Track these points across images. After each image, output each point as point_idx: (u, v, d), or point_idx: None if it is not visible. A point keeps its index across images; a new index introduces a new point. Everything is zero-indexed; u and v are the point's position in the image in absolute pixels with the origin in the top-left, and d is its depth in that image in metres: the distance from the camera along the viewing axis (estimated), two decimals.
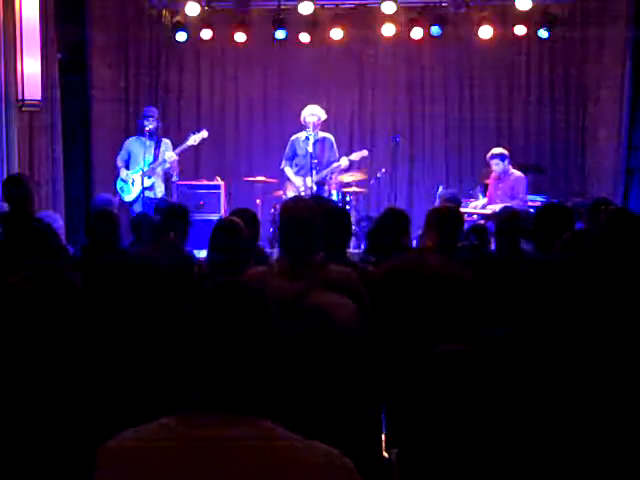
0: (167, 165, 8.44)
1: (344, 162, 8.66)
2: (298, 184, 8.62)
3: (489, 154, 8.32)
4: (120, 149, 8.69)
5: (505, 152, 8.30)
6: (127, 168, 8.51)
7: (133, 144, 8.57)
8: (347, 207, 8.46)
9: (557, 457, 1.88)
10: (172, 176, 8.82)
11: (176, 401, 1.58)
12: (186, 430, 1.50)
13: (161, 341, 2.72)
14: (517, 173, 8.32)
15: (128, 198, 8.36)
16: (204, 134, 8.68)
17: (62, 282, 2.66)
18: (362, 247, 7.45)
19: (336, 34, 9.95)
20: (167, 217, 4.98)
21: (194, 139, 8.62)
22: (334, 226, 4.01)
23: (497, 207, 7.78)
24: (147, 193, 8.32)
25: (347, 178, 8.95)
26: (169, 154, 8.41)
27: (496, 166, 8.22)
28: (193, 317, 1.54)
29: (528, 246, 4.66)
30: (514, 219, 4.73)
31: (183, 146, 8.60)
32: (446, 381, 1.67)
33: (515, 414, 1.76)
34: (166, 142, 8.56)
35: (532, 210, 6.61)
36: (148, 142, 8.38)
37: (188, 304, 1.56)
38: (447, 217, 3.78)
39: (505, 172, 8.23)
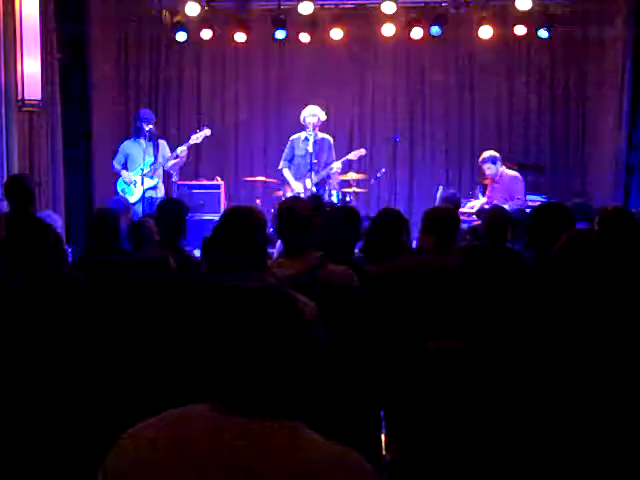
0: (171, 162, 8.43)
1: (336, 166, 8.63)
2: (297, 189, 8.61)
3: (480, 159, 8.26)
4: (116, 153, 8.68)
5: (495, 154, 8.19)
6: (125, 171, 8.51)
7: (130, 147, 8.55)
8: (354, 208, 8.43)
9: (553, 453, 1.89)
10: (172, 176, 8.83)
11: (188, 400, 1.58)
12: (216, 417, 1.50)
13: (172, 343, 2.73)
14: (511, 173, 8.24)
15: (131, 200, 8.34)
16: (207, 132, 8.68)
17: (67, 282, 2.68)
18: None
19: (336, 34, 9.96)
20: (159, 214, 4.98)
21: (197, 137, 8.62)
22: (342, 227, 4.01)
23: None
24: (150, 193, 8.32)
25: (347, 178, 8.96)
26: (180, 149, 8.42)
27: (489, 170, 8.14)
28: (221, 322, 1.54)
29: (519, 247, 4.67)
30: (502, 218, 4.76)
31: (186, 145, 8.59)
32: (438, 378, 1.68)
33: (507, 413, 1.77)
34: (162, 143, 8.56)
35: (529, 210, 6.57)
36: (145, 144, 8.38)
37: (214, 309, 1.57)
38: (444, 218, 3.78)
39: (499, 173, 8.17)
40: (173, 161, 8.47)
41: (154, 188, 8.37)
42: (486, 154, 8.24)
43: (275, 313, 1.53)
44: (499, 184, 8.19)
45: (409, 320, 1.98)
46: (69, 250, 5.45)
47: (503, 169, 8.22)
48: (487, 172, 8.17)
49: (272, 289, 1.61)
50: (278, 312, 1.53)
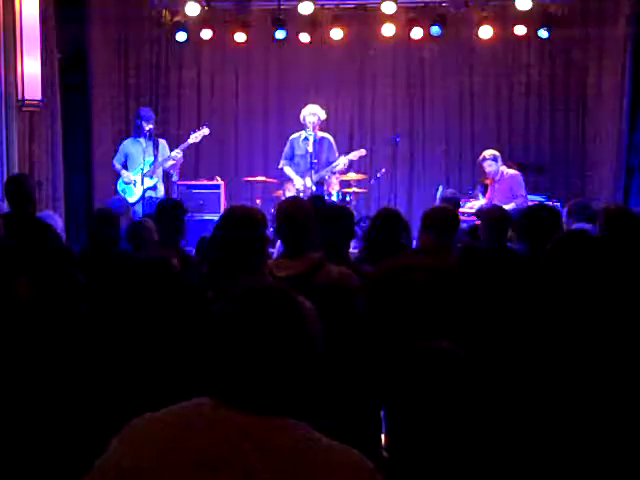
0: (169, 163, 8.43)
1: (343, 161, 8.66)
2: (299, 184, 8.64)
3: (480, 157, 8.30)
4: (116, 152, 8.68)
5: (496, 153, 8.27)
6: (125, 170, 8.51)
7: (130, 146, 8.55)
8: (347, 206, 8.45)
9: (547, 452, 1.89)
10: (172, 176, 8.83)
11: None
12: (218, 413, 1.50)
13: (173, 341, 2.73)
14: (510, 171, 8.28)
15: (131, 200, 8.34)
16: (205, 131, 8.69)
17: (66, 282, 2.68)
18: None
19: (336, 34, 9.96)
20: (158, 214, 4.98)
21: (195, 136, 8.63)
22: (334, 226, 4.01)
23: None
24: (150, 193, 8.31)
25: (347, 178, 8.96)
26: (176, 152, 8.43)
27: (489, 167, 8.17)
28: (222, 320, 1.54)
29: (519, 247, 4.68)
30: (502, 217, 4.77)
31: (184, 145, 8.60)
32: (429, 379, 1.68)
33: (502, 413, 1.77)
34: (162, 142, 8.56)
35: None
36: (145, 143, 8.38)
37: (221, 304, 1.57)
38: (442, 218, 3.78)
39: (499, 173, 8.20)
40: (170, 162, 8.48)
41: (153, 188, 8.37)
42: (487, 152, 8.27)
43: (275, 310, 1.54)
44: (499, 184, 8.21)
45: (407, 321, 1.98)
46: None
47: (504, 168, 8.25)
48: (487, 169, 8.19)
49: (272, 287, 1.62)
50: (278, 309, 1.54)
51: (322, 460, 1.47)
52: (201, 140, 8.84)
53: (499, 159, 8.21)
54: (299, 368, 1.52)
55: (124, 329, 2.87)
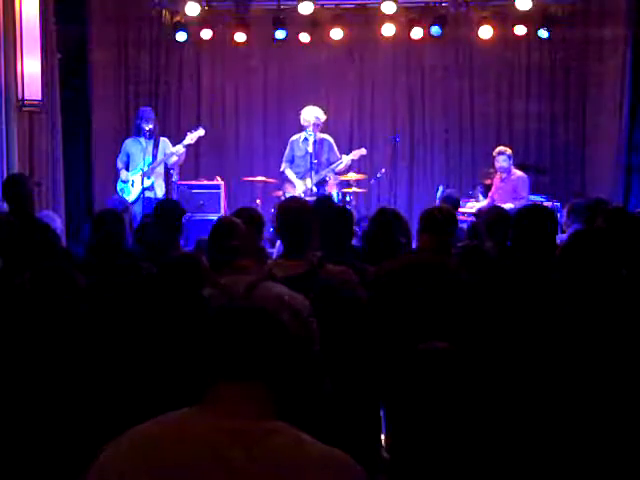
0: (173, 159, 8.42)
1: (346, 159, 8.69)
2: (299, 187, 8.64)
3: (497, 151, 8.42)
4: (119, 151, 8.70)
5: (510, 153, 8.46)
6: (127, 169, 8.52)
7: (131, 146, 8.56)
8: (347, 207, 8.46)
9: (543, 451, 1.89)
10: (172, 175, 8.82)
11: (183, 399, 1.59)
12: (209, 420, 1.51)
13: (174, 345, 2.73)
14: (519, 173, 8.42)
15: (129, 199, 8.35)
16: (201, 132, 8.66)
17: (65, 282, 2.68)
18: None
19: (336, 34, 9.95)
20: (156, 214, 4.97)
21: (191, 137, 8.61)
22: (335, 226, 4.01)
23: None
24: (147, 193, 8.32)
25: (347, 178, 8.97)
26: (177, 147, 8.41)
27: (503, 162, 8.33)
28: (209, 337, 1.57)
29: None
30: (502, 217, 4.77)
31: (182, 144, 8.58)
32: (427, 378, 1.68)
33: (498, 413, 1.77)
34: (164, 140, 8.56)
35: None
36: (145, 142, 8.39)
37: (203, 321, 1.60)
38: (441, 218, 3.77)
39: (508, 171, 8.31)
40: (174, 158, 8.46)
41: (150, 188, 8.36)
42: (503, 148, 8.49)
43: (255, 326, 1.57)
44: (506, 183, 8.31)
45: (407, 319, 1.98)
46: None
47: (513, 168, 8.38)
48: (500, 164, 8.34)
49: (250, 306, 1.65)
50: (258, 325, 1.57)
51: (311, 464, 1.48)
52: (201, 140, 8.82)
53: (512, 158, 8.38)
54: (282, 370, 1.54)
55: (130, 331, 2.87)
